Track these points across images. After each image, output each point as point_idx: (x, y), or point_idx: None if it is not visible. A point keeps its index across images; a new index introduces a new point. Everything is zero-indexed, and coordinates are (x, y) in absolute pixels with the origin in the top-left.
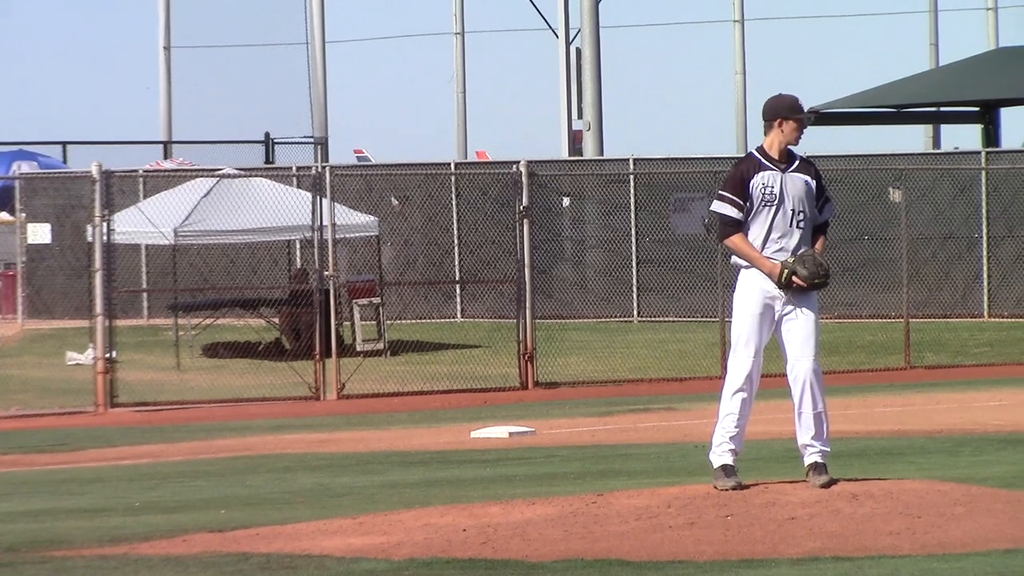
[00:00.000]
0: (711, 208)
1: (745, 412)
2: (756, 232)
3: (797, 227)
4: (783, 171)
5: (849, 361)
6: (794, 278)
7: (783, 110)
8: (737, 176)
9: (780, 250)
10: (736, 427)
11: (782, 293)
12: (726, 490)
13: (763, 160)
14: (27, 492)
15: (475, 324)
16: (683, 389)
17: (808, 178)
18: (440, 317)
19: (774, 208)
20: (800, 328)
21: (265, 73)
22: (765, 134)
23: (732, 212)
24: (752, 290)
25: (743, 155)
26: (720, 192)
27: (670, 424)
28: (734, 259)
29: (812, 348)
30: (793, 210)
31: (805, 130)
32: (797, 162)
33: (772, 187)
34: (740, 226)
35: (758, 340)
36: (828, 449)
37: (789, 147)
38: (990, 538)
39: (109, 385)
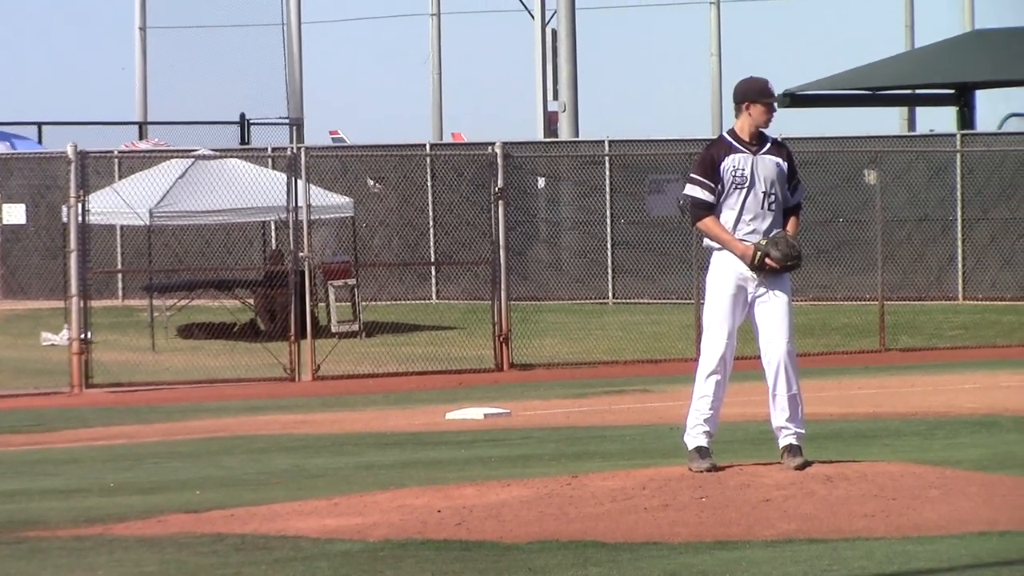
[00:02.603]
0: (683, 192)
1: (719, 394)
2: (728, 215)
3: (768, 209)
4: (754, 153)
5: (824, 343)
6: (767, 260)
7: (752, 93)
8: (708, 159)
9: (752, 232)
10: (710, 409)
11: (755, 275)
12: (700, 472)
13: (733, 143)
14: (1, 473)
15: (450, 306)
16: (658, 371)
17: (780, 160)
18: (415, 298)
19: (745, 190)
20: (773, 310)
21: (241, 54)
22: (736, 117)
23: (703, 195)
24: (725, 272)
25: (713, 139)
26: (691, 175)
27: (645, 406)
28: (706, 242)
29: (786, 330)
30: (764, 192)
31: (775, 113)
32: (768, 144)
33: (743, 169)
34: (712, 209)
35: (731, 322)
36: (803, 431)
37: (760, 129)
38: (965, 520)
39: (84, 366)
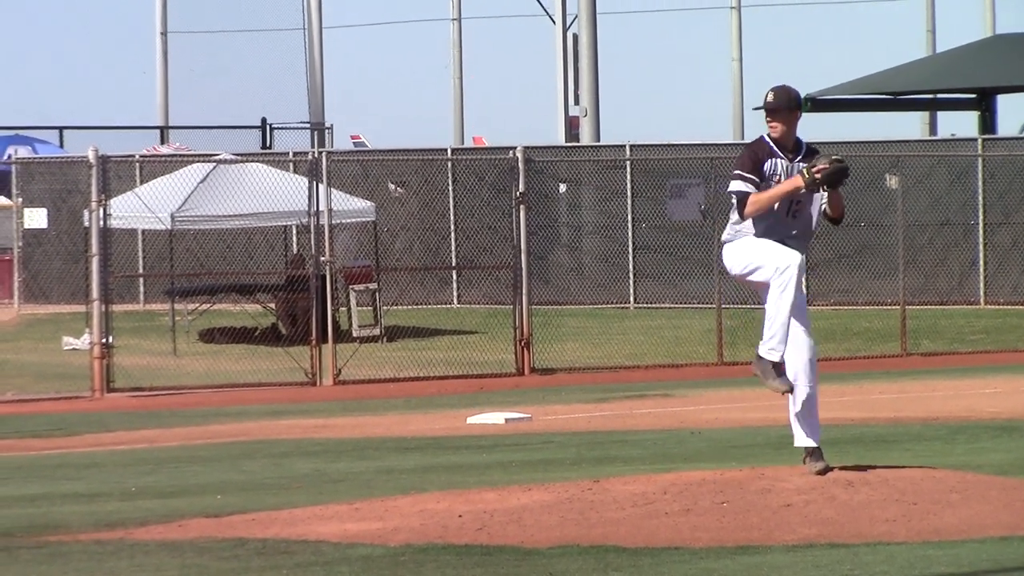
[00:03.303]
0: (728, 189)
1: (801, 303)
2: (758, 219)
3: (792, 217)
4: (790, 160)
5: (845, 348)
6: (816, 172)
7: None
8: (752, 156)
9: (773, 235)
10: (785, 321)
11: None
12: (781, 391)
13: (773, 146)
14: (23, 477)
15: (471, 310)
16: (679, 375)
17: None
18: (436, 303)
19: None
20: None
21: (262, 58)
22: None
23: (752, 189)
24: (749, 240)
25: (754, 139)
26: (737, 172)
27: (666, 410)
28: (726, 235)
29: (806, 317)
30: (792, 200)
31: (779, 126)
32: (803, 152)
33: (780, 175)
34: None
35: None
36: (816, 436)
37: (796, 137)
38: (985, 525)
39: (105, 370)
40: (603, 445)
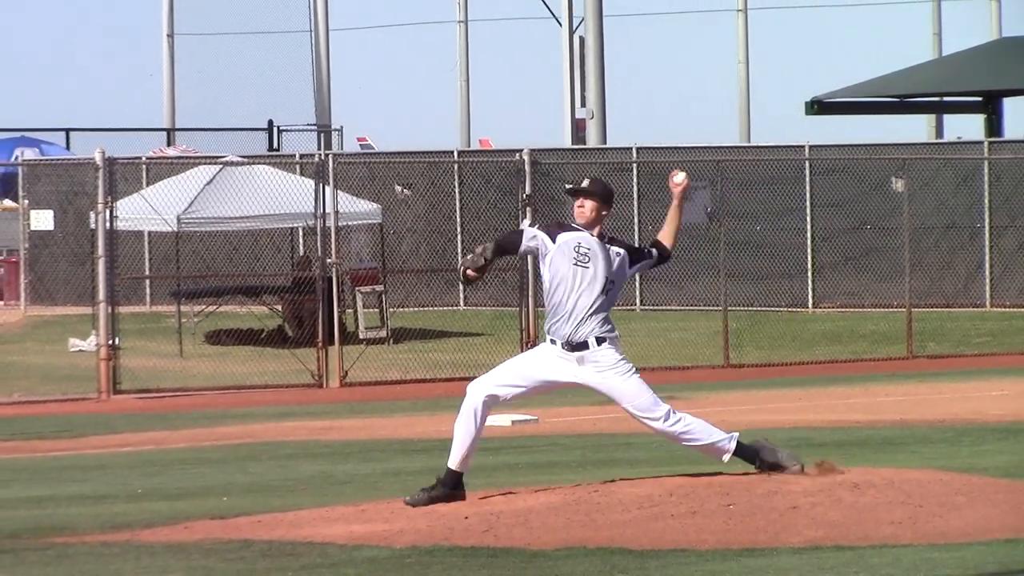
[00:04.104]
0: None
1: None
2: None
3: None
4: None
5: (851, 350)
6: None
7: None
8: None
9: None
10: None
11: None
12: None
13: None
14: (29, 479)
15: (477, 312)
16: (685, 378)
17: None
18: (443, 305)
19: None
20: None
21: (269, 61)
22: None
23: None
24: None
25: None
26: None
27: None
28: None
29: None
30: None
31: (580, 208)
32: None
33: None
34: None
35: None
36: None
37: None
38: (991, 528)
39: (112, 372)
40: (609, 447)
